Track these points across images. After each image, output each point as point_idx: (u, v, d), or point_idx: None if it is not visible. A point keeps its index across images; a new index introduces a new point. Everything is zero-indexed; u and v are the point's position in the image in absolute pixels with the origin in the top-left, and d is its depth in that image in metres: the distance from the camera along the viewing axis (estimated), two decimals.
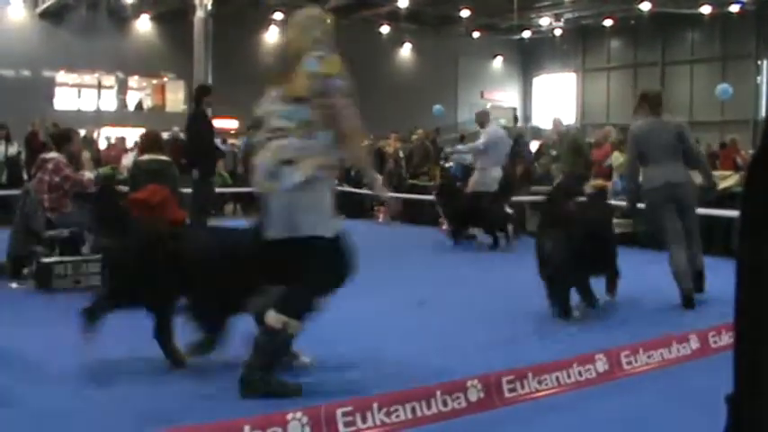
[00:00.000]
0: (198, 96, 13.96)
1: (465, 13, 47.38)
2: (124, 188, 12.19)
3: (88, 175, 11.26)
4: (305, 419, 2.77)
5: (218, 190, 19.27)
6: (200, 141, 13.52)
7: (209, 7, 32.92)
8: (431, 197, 17.75)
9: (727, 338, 4.53)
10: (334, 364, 6.30)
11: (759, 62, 47.30)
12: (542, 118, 52.82)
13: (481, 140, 15.14)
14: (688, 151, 8.84)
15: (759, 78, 47.18)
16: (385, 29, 50.51)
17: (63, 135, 10.87)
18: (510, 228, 14.74)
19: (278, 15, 46.69)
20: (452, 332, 7.75)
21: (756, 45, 46.88)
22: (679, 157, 8.86)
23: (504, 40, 56.47)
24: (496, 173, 14.95)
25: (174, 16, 41.84)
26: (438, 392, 3.17)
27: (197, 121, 13.67)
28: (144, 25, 44.29)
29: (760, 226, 1.61)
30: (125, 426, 4.77)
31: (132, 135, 32.55)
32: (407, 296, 9.36)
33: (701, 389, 5.33)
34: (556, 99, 55.51)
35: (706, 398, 5.33)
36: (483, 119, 15.52)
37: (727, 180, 14.22)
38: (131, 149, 23.87)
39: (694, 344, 4.31)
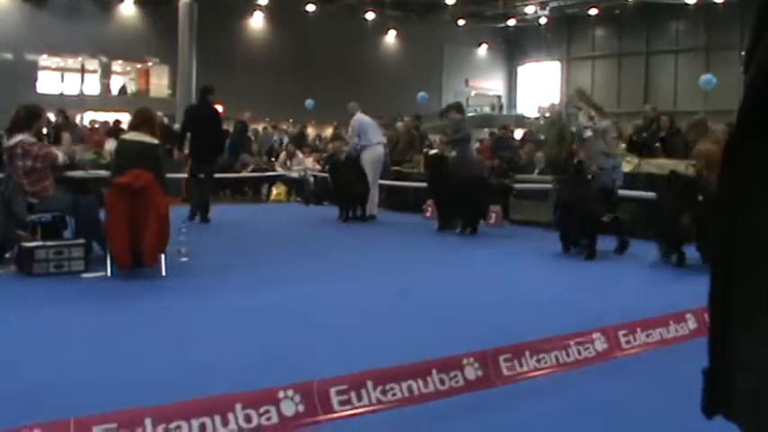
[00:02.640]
0: (204, 95, 16.27)
1: (450, 1, 47.34)
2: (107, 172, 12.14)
3: (58, 152, 11.06)
4: (297, 397, 2.71)
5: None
6: (220, 136, 16.79)
7: None
8: (415, 184, 17.83)
9: None
10: (328, 343, 6.30)
11: (743, 53, 47.08)
12: (527, 106, 52.86)
13: (352, 129, 17.98)
14: None
15: (743, 69, 47.12)
16: (370, 15, 50.41)
17: (33, 113, 10.64)
18: (371, 204, 16.96)
19: (262, 1, 46.60)
20: (446, 314, 7.71)
21: (740, 35, 46.88)
22: None
23: (490, 28, 56.48)
24: (377, 150, 17.39)
25: (158, 0, 41.64)
26: (433, 370, 3.11)
27: (216, 119, 16.16)
28: (128, 9, 44.04)
29: (732, 206, 1.63)
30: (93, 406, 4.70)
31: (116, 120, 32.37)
32: (398, 281, 9.37)
33: (697, 369, 5.28)
34: (540, 87, 55.47)
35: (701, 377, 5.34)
36: (352, 111, 17.93)
37: None
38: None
39: (692, 324, 4.27)
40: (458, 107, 16.84)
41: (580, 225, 11.86)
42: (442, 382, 3.10)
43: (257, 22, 48.44)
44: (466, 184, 14.53)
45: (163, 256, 9.66)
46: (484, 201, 14.84)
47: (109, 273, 9.47)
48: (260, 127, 29.66)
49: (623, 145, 17.38)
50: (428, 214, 17.02)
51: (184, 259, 10.59)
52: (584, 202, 11.74)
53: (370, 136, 17.45)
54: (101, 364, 5.88)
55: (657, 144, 17.27)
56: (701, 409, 1.82)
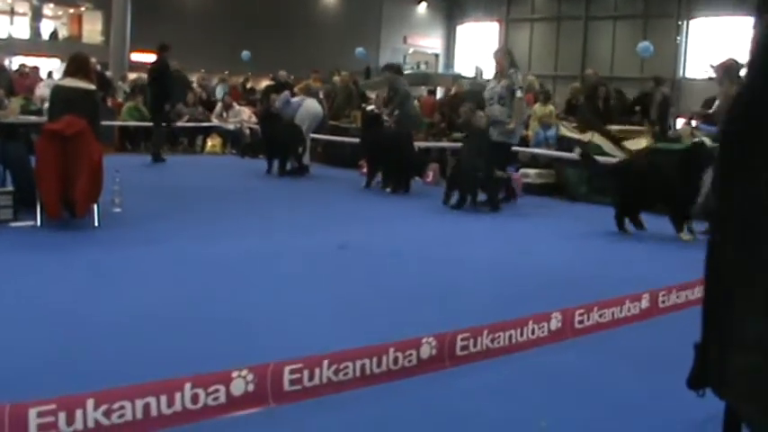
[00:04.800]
0: (159, 51, 17.88)
1: None
2: (41, 118, 11.78)
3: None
4: (250, 377, 2.56)
5: (137, 124, 19.66)
6: (166, 89, 17.69)
7: None
8: (352, 139, 17.61)
9: (674, 298, 4.51)
10: (262, 297, 6.18)
11: (680, 23, 47.86)
12: (465, 65, 52.80)
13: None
14: None
15: (679, 38, 47.80)
16: None
17: None
18: (306, 156, 17.00)
19: None
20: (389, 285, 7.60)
21: (678, 5, 47.41)
22: None
23: None
24: (314, 105, 17.69)
25: None
26: (391, 350, 2.98)
27: (162, 72, 17.64)
28: None
29: (732, 175, 1.58)
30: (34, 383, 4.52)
31: (46, 65, 31.66)
32: (335, 239, 9.24)
33: (646, 347, 5.35)
34: (479, 47, 55.34)
35: (651, 356, 5.34)
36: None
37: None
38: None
39: (645, 303, 4.22)
40: (397, 68, 17.04)
41: (465, 180, 12.59)
42: (396, 361, 2.97)
43: None
44: (393, 142, 14.46)
45: (95, 206, 9.40)
46: (410, 158, 14.74)
47: (39, 222, 9.20)
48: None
49: (551, 107, 17.46)
50: (364, 170, 16.86)
51: (117, 210, 10.34)
52: (473, 159, 12.55)
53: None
54: (28, 320, 5.66)
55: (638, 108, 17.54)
56: (686, 383, 1.76)
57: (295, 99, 17.70)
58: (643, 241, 10.45)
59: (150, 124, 18.63)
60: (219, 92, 25.22)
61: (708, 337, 1.67)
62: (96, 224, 9.33)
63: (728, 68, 11.12)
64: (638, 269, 8.64)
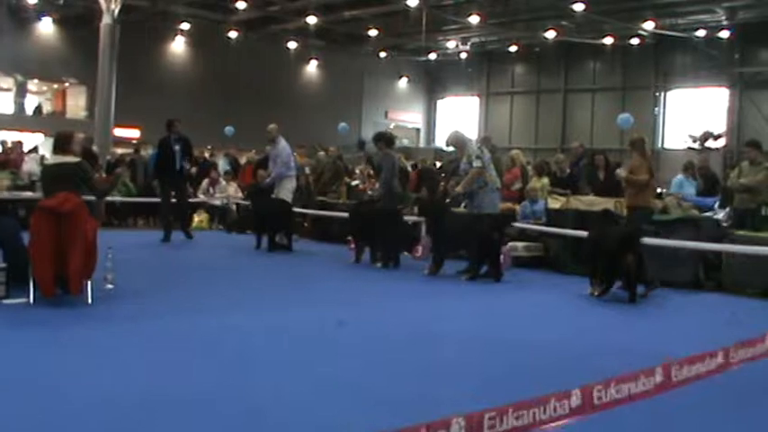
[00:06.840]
0: (167, 127, 17.65)
1: (373, 33, 47.51)
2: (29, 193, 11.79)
3: None
4: None
5: (122, 199, 19.69)
6: (166, 162, 17.53)
7: (116, 14, 32.09)
8: (340, 214, 17.64)
9: (686, 372, 4.53)
10: (265, 378, 6.13)
11: (657, 94, 48.54)
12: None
13: (280, 158, 17.55)
14: None
15: (656, 109, 48.49)
16: (293, 44, 50.36)
17: None
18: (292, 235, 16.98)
19: (185, 25, 46.28)
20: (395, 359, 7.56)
21: (655, 77, 48.15)
22: None
23: (410, 61, 56.85)
24: (294, 181, 17.91)
25: (78, 20, 41.02)
26: (423, 430, 2.97)
27: (164, 146, 17.59)
28: (47, 28, 43.21)
29: None
30: None
31: (30, 139, 31.75)
32: (330, 315, 9.15)
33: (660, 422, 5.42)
34: (460, 121, 55.81)
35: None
36: (274, 134, 17.76)
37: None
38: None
39: (659, 377, 4.24)
40: (388, 139, 16.42)
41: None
42: None
43: (179, 46, 48.05)
44: (380, 217, 14.55)
45: (89, 282, 9.36)
46: (401, 233, 14.87)
47: (32, 299, 9.12)
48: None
49: (546, 180, 17.59)
50: (352, 246, 16.86)
51: (110, 286, 10.26)
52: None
53: (292, 165, 17.77)
54: (20, 398, 5.56)
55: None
56: None
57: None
58: (622, 309, 10.61)
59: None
60: (222, 165, 25.48)
61: None
62: (90, 301, 9.26)
63: (634, 143, 12.93)
64: (635, 339, 8.67)
